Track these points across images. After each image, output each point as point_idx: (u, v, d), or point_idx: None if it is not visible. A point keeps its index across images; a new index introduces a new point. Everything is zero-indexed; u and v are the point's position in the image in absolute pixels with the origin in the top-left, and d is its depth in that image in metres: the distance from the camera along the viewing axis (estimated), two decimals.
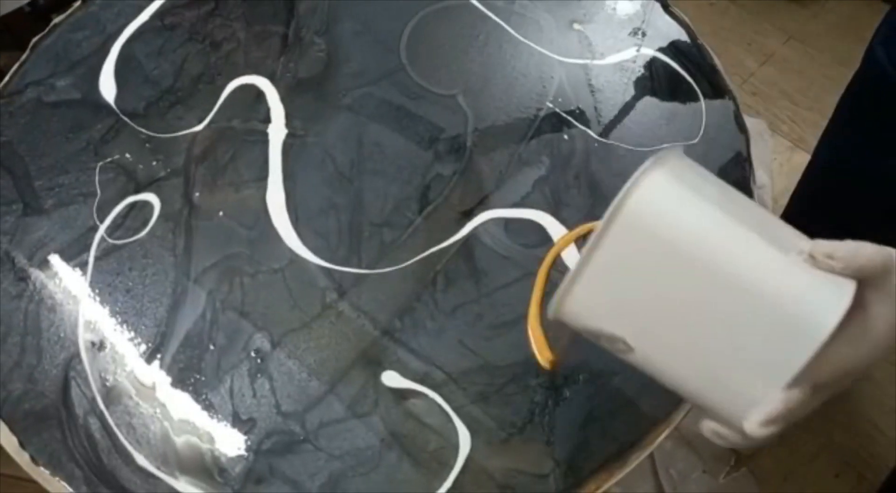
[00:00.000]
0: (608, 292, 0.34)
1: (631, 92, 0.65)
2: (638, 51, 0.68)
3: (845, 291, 0.32)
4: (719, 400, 0.34)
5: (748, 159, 0.61)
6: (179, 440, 0.52)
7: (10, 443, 0.52)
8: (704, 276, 0.33)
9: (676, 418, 0.51)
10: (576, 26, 0.69)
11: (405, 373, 0.54)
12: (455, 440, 0.51)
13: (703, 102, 0.65)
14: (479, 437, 0.51)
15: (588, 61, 0.67)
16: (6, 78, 0.70)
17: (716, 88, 0.65)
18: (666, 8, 0.70)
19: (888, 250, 0.35)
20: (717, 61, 0.67)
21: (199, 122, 0.66)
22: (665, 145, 0.62)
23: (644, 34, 0.69)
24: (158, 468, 0.51)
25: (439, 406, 0.53)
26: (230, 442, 0.52)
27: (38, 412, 0.53)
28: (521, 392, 0.53)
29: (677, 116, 0.64)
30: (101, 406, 0.53)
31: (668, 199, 0.34)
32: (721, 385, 0.34)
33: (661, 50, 0.67)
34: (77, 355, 0.56)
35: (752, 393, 0.33)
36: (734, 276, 0.32)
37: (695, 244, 0.33)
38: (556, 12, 0.70)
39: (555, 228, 0.59)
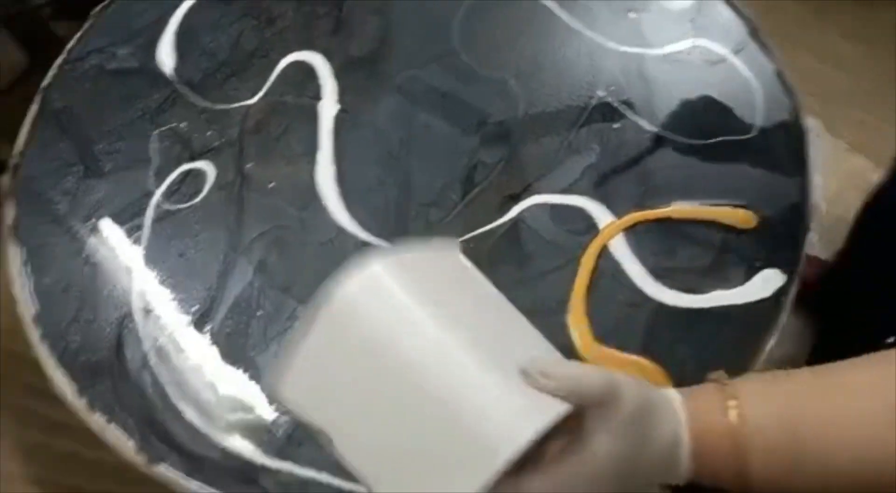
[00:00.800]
0: (314, 384, 0.33)
1: (686, 84, 0.65)
2: (695, 42, 0.67)
3: (544, 416, 0.30)
4: None
5: (804, 158, 0.61)
6: (225, 401, 0.54)
7: (69, 390, 0.54)
8: (393, 378, 0.31)
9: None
10: (631, 15, 0.69)
11: None
12: None
13: (760, 97, 0.64)
14: None
15: (643, 50, 0.67)
16: (70, 44, 0.72)
17: (775, 84, 0.64)
18: (727, 0, 0.69)
19: (613, 376, 0.33)
20: (777, 57, 0.66)
21: (253, 95, 0.68)
22: (719, 138, 0.61)
23: (702, 26, 0.68)
24: (205, 425, 0.52)
25: None
26: (273, 408, 0.53)
27: (93, 365, 0.55)
28: None
29: (732, 110, 0.63)
30: (152, 363, 0.55)
31: (378, 296, 0.32)
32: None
33: (719, 42, 0.67)
34: (130, 314, 0.58)
35: None
36: (420, 383, 0.31)
37: (390, 346, 0.31)
38: (614, 1, 0.69)
39: (602, 216, 0.59)
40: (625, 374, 0.34)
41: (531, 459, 0.32)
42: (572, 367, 0.33)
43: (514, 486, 0.31)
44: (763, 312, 0.54)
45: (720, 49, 0.66)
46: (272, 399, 0.34)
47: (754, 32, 0.67)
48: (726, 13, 0.68)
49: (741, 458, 0.33)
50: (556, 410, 0.31)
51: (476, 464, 0.29)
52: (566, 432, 0.32)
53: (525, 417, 0.30)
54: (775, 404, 0.34)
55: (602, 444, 0.32)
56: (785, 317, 0.53)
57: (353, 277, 0.33)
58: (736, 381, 0.35)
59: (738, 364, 0.53)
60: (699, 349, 0.54)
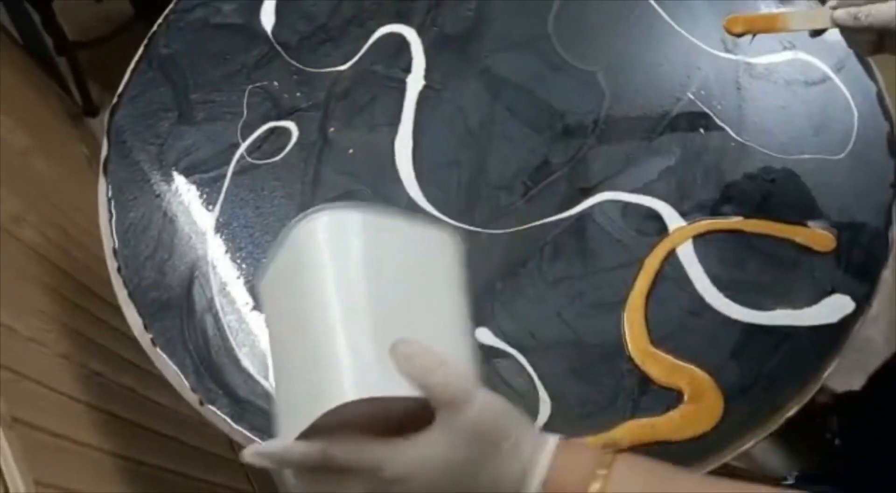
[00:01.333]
0: (271, 294, 0.38)
1: (780, 96, 0.63)
2: (795, 55, 0.65)
3: (380, 390, 0.32)
4: (282, 421, 0.36)
5: (893, 187, 0.58)
6: None
7: (136, 324, 0.58)
8: (305, 315, 0.34)
9: (769, 426, 0.50)
10: None
11: (498, 333, 0.55)
12: (535, 407, 0.53)
13: (856, 119, 0.61)
14: (560, 408, 0.52)
15: (739, 58, 0.65)
16: None
17: (873, 106, 0.62)
18: None
19: (473, 388, 0.33)
20: (880, 80, 0.63)
21: (345, 61, 0.69)
22: (806, 156, 0.60)
23: (804, 39, 0.66)
24: (259, 372, 0.55)
25: (526, 371, 0.54)
26: None
27: (163, 302, 0.58)
28: (609, 373, 0.53)
29: (826, 129, 0.61)
30: (218, 307, 0.58)
31: (336, 241, 0.35)
32: (283, 408, 0.36)
33: (819, 58, 0.64)
34: (203, 258, 0.60)
35: (288, 424, 0.35)
36: (319, 326, 0.34)
37: (318, 287, 0.34)
38: (715, 3, 0.68)
39: (673, 220, 0.58)
40: (502, 399, 0.34)
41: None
42: (435, 362, 0.33)
43: (358, 445, 0.33)
44: (826, 338, 0.52)
45: (820, 65, 0.64)
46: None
47: (859, 56, 0.64)
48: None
49: None
50: (396, 390, 0.33)
51: (310, 409, 0.32)
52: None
53: (364, 383, 0.32)
54: (640, 486, 0.34)
55: (433, 442, 0.33)
56: (849, 346, 0.52)
57: (329, 213, 0.35)
58: (619, 456, 0.34)
59: (791, 387, 0.51)
60: (754, 367, 0.53)
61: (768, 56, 0.65)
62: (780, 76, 0.64)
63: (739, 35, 0.54)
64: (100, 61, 1.41)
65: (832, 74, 0.63)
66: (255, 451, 0.34)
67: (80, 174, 1.08)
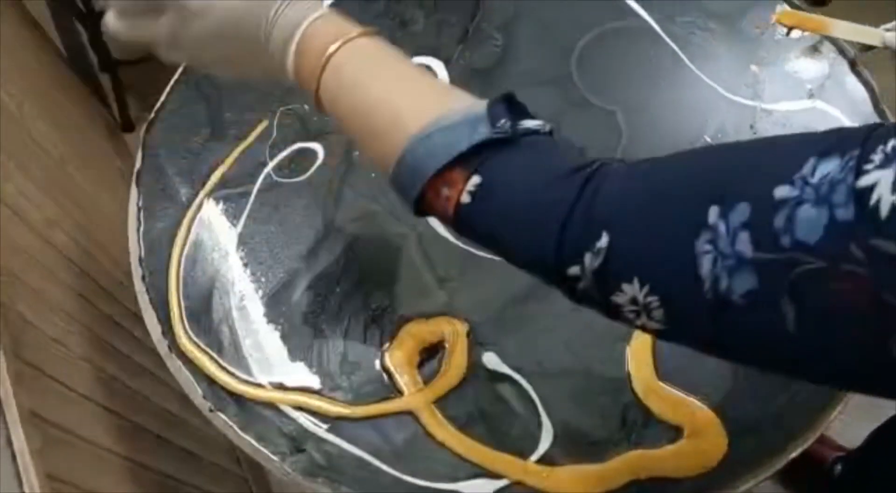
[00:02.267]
0: None
1: None
2: (813, 103, 0.66)
3: None
4: None
5: None
6: (293, 364, 0.57)
7: (155, 330, 0.59)
8: None
9: (775, 463, 0.50)
10: (752, 67, 0.69)
11: (505, 358, 0.56)
12: (537, 433, 0.53)
13: None
14: (562, 436, 0.53)
15: (757, 104, 0.66)
16: None
17: None
18: (853, 67, 0.68)
19: None
20: None
21: None
22: None
23: (824, 88, 0.67)
24: (270, 383, 0.56)
25: (530, 397, 0.54)
26: (335, 378, 0.56)
27: (182, 310, 0.60)
28: (614, 405, 0.54)
29: None
30: (234, 318, 0.59)
31: None
32: None
33: (837, 107, 0.65)
34: (225, 270, 0.62)
35: None
36: None
37: None
38: (735, 49, 0.69)
39: None
40: None
41: None
42: None
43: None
44: None
45: (839, 115, 0.65)
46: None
47: (877, 103, 0.65)
48: (850, 80, 0.67)
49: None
50: None
51: None
52: None
53: None
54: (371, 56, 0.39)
55: None
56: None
57: None
58: (368, 32, 0.39)
59: (797, 428, 0.51)
60: (760, 407, 0.53)
61: (786, 103, 0.66)
62: (797, 124, 0.65)
63: (790, 29, 0.54)
64: (140, 80, 1.47)
65: (847, 123, 0.64)
66: None
67: (113, 187, 1.11)
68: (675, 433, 0.52)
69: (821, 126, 0.64)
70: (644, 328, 0.31)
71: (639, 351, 0.54)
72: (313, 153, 0.68)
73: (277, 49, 0.39)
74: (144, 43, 0.43)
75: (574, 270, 0.31)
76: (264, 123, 0.70)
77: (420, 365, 0.57)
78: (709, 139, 0.65)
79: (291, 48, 0.39)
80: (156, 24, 0.41)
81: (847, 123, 0.65)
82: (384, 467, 0.53)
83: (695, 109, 0.67)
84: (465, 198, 0.34)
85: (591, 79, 0.70)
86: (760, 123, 0.65)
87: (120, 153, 1.30)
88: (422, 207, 0.36)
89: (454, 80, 0.71)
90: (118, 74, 1.40)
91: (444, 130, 0.34)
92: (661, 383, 0.53)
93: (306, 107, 0.71)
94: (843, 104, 0.65)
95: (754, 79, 0.68)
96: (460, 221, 0.35)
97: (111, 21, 0.43)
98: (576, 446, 0.52)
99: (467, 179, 0.34)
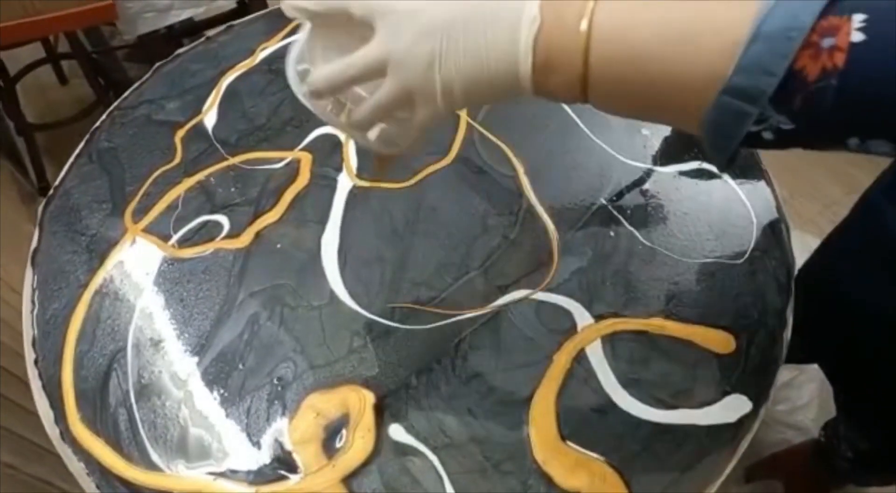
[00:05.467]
0: None
1: (684, 203, 0.67)
2: (700, 165, 0.70)
3: None
4: None
5: (789, 291, 0.62)
6: (193, 447, 0.55)
7: (47, 416, 0.57)
8: None
9: None
10: (644, 131, 0.72)
11: (410, 430, 0.56)
12: None
13: (755, 225, 0.66)
14: None
15: (648, 166, 0.70)
16: (126, 93, 0.79)
17: (770, 213, 0.66)
18: None
19: None
20: (777, 191, 0.68)
21: (280, 160, 0.72)
22: (708, 260, 0.63)
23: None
24: (168, 467, 0.54)
25: (436, 470, 0.54)
26: (238, 459, 0.55)
27: (77, 393, 0.58)
28: (516, 472, 0.54)
29: (726, 234, 0.65)
30: (132, 401, 0.58)
31: None
32: None
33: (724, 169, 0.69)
34: (124, 349, 0.61)
35: None
36: None
37: None
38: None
39: (583, 320, 0.60)
40: None
41: None
42: None
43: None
44: (725, 436, 0.54)
45: (723, 174, 0.69)
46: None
47: (758, 165, 0.69)
48: None
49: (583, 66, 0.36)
50: None
51: None
52: None
53: None
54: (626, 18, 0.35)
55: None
56: (746, 444, 0.53)
57: None
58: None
59: (696, 483, 0.53)
60: (659, 463, 0.54)
61: (675, 165, 0.70)
62: (685, 184, 0.68)
63: None
64: (60, 143, 1.44)
65: (733, 184, 0.68)
66: (290, 5, 0.42)
67: (24, 257, 1.08)
68: None
69: (706, 185, 0.68)
70: None
71: (539, 415, 0.55)
72: (218, 225, 0.68)
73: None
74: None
75: None
76: (167, 197, 0.69)
77: (327, 439, 0.56)
78: (604, 201, 0.68)
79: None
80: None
81: (730, 181, 0.68)
82: None
83: (592, 172, 0.70)
84: (857, 36, 0.29)
85: (492, 145, 0.72)
86: (653, 185, 0.69)
87: (34, 220, 1.26)
88: (786, 90, 0.31)
89: (359, 149, 0.72)
90: (34, 139, 1.38)
91: None
92: (564, 445, 0.54)
93: (212, 179, 0.71)
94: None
95: (646, 141, 0.72)
96: (850, 74, 0.30)
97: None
98: None
99: (847, 20, 0.29)
